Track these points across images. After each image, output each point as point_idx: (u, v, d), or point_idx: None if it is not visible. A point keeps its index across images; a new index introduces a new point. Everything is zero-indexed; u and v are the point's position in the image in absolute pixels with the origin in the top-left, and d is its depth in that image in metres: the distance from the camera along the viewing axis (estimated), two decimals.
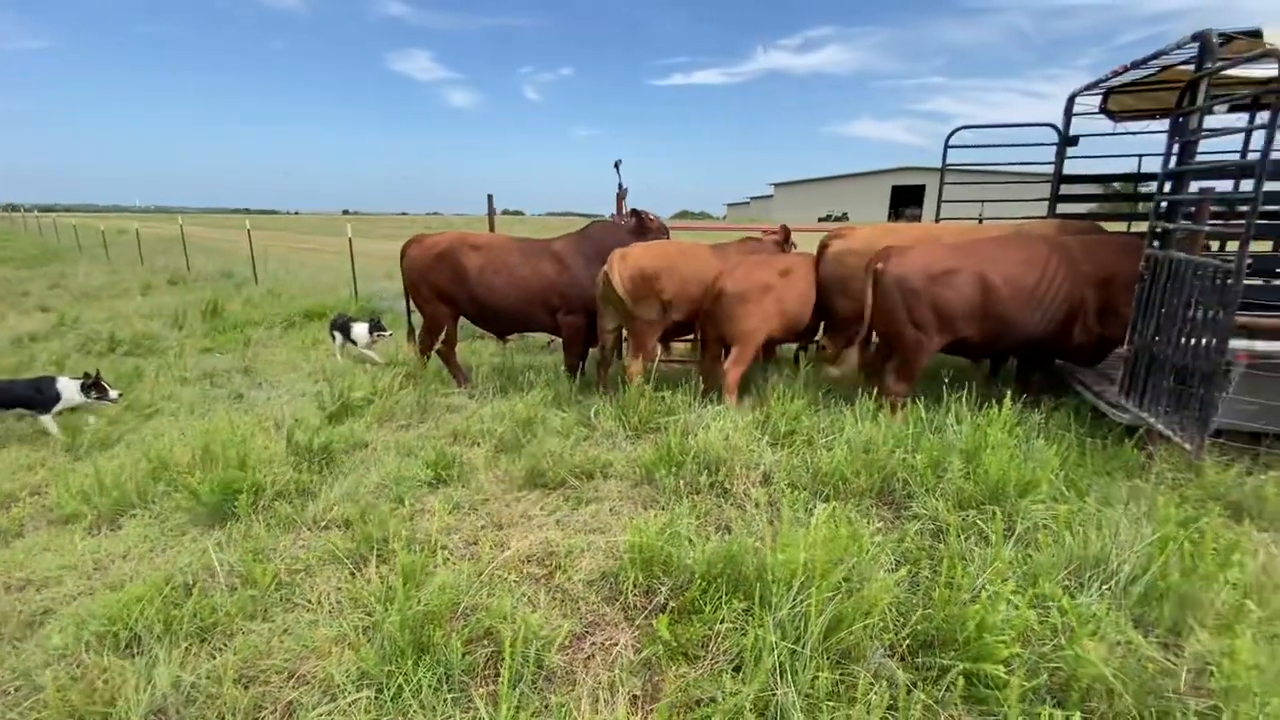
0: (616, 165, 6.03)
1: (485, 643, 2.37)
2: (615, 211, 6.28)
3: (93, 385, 4.86)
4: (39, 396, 4.66)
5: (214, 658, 2.28)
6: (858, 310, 5.07)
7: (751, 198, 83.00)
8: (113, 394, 4.96)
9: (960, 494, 3.21)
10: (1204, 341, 3.37)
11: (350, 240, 10.90)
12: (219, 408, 5.29)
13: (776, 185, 71.00)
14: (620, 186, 6.11)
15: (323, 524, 3.33)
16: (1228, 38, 3.59)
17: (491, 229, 7.33)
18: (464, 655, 2.24)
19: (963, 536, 2.88)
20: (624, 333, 5.32)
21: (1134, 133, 5.93)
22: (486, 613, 2.47)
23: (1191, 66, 4.18)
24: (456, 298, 5.52)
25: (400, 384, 5.40)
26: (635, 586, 2.66)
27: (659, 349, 5.43)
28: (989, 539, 2.85)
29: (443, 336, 5.76)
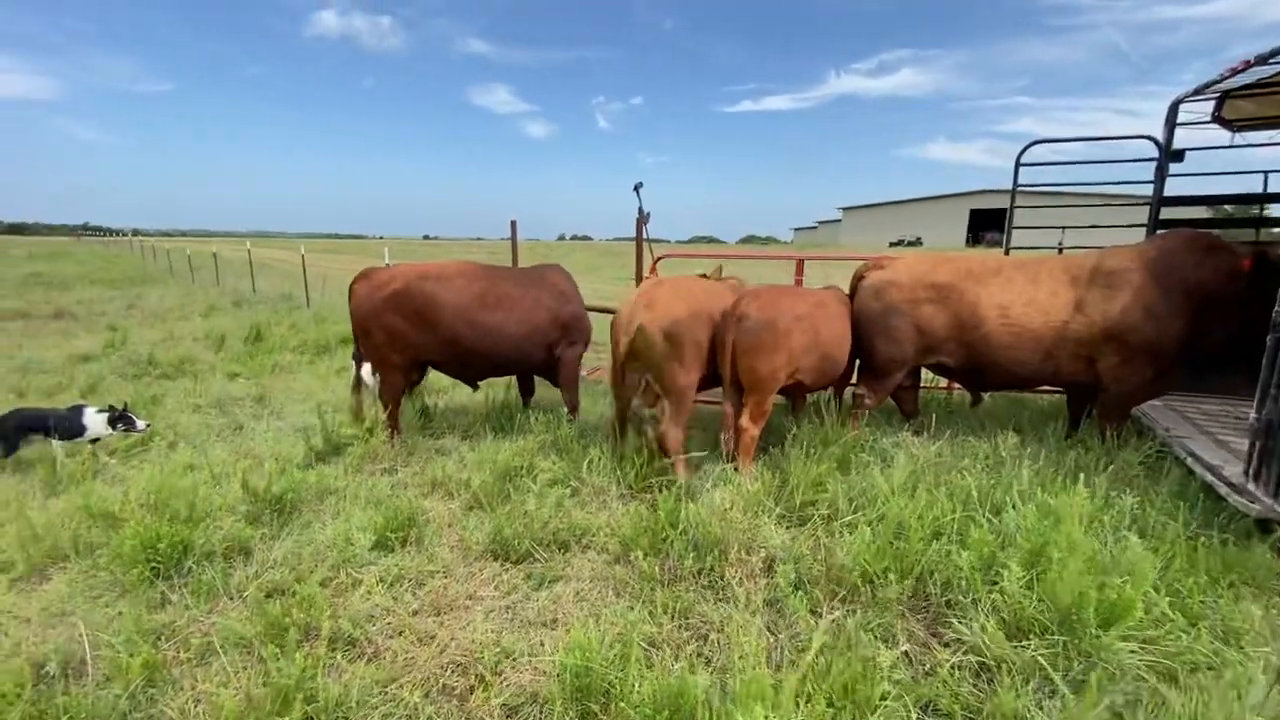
0: (637, 189, 5.54)
1: None
2: (636, 236, 5.77)
3: (119, 418, 4.73)
4: (65, 426, 4.58)
5: None
6: (901, 352, 4.31)
7: (819, 222, 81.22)
8: (140, 425, 4.81)
9: (1018, 614, 2.41)
10: None
11: (388, 265, 10.89)
12: (212, 440, 5.09)
13: (845, 209, 69.18)
14: (641, 211, 5.60)
15: (243, 593, 2.90)
16: None
17: (514, 258, 6.98)
18: None
19: (1018, 685, 2.10)
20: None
21: (1256, 145, 4.91)
22: None
23: None
24: (421, 342, 4.72)
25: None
26: None
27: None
28: (1057, 693, 2.07)
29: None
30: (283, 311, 12.65)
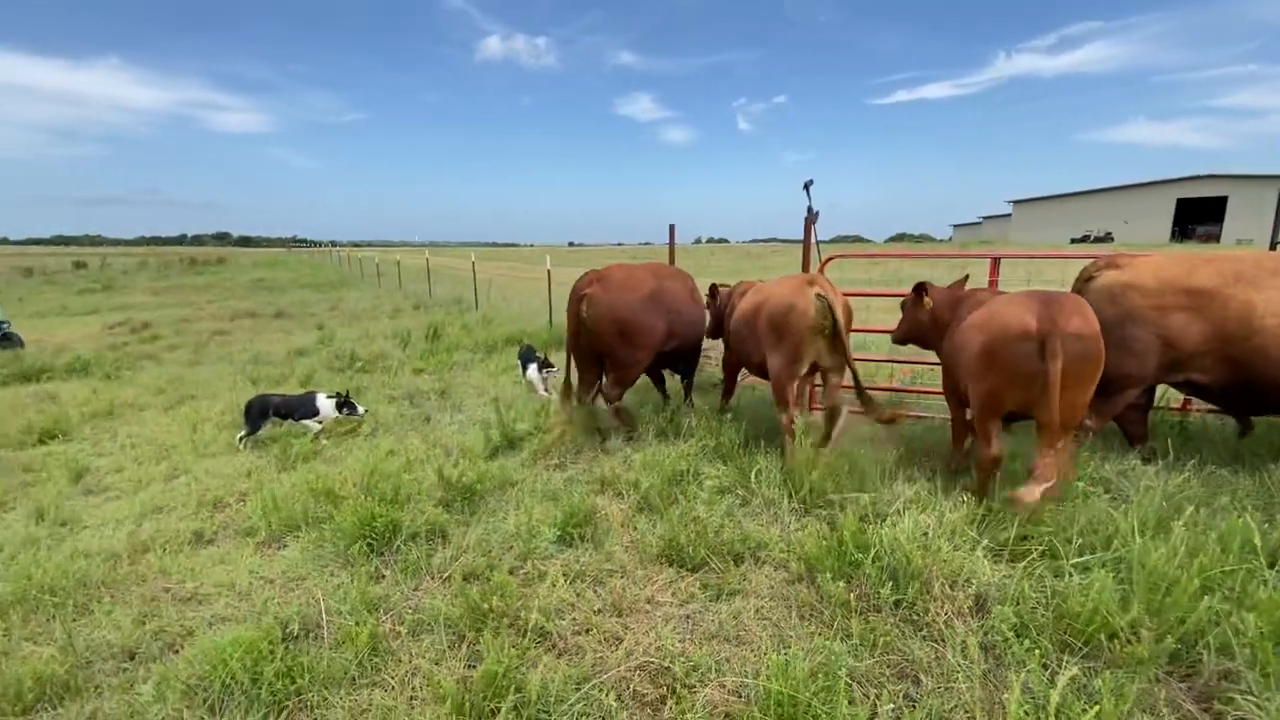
0: (806, 187, 5.29)
1: None
2: (804, 237, 5.52)
3: (344, 403, 5.50)
4: (302, 409, 5.45)
5: None
6: (1139, 367, 3.68)
7: (984, 217, 73.79)
8: (360, 410, 5.57)
9: None
10: None
11: (549, 271, 11.50)
12: (406, 429, 5.63)
13: (1016, 202, 62.27)
14: (810, 210, 5.35)
15: (445, 575, 3.12)
16: None
17: (671, 260, 7.01)
18: None
19: None
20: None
21: None
22: None
23: None
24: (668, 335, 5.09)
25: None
26: None
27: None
28: None
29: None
30: (455, 314, 13.85)
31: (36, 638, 2.72)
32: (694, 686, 2.29)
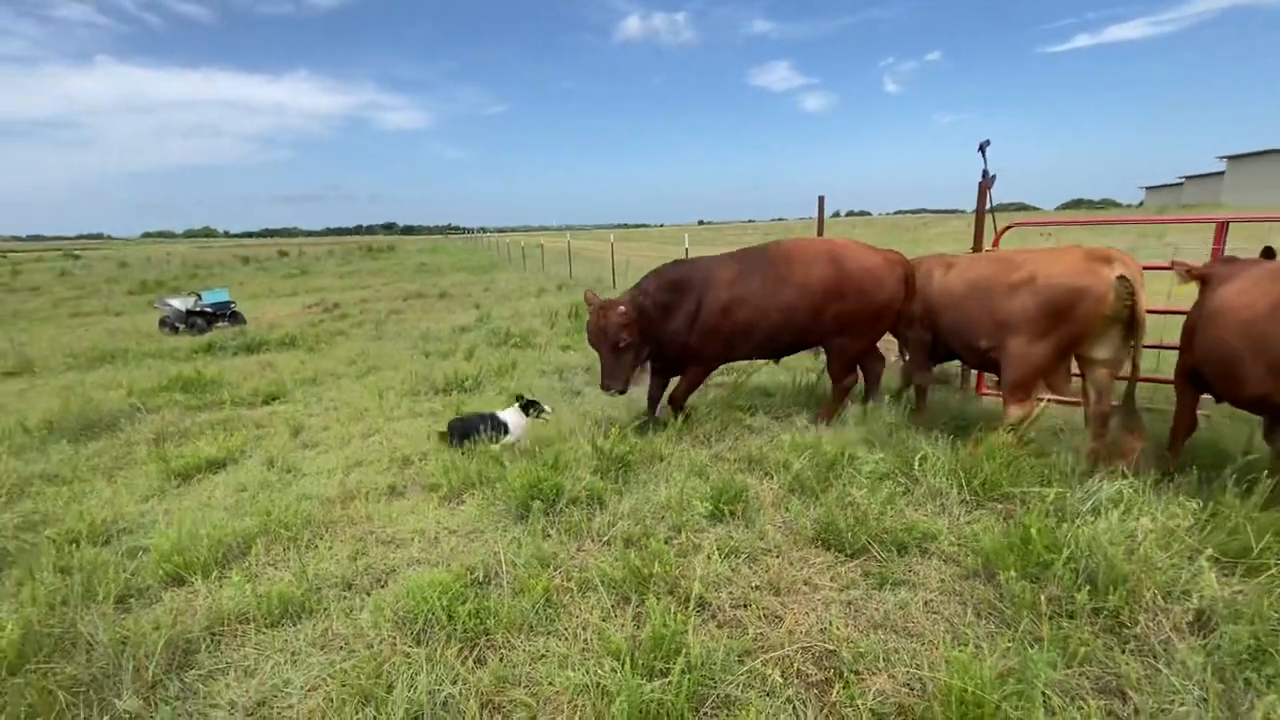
0: (982, 148, 4.79)
1: None
2: (977, 204, 5.02)
3: (528, 405, 5.51)
4: (491, 430, 5.07)
5: (474, 671, 2.31)
6: None
7: (1184, 177, 62.53)
8: (546, 409, 5.28)
9: None
10: None
11: (686, 250, 11.53)
12: (557, 401, 5.97)
13: (1230, 158, 52.05)
14: (986, 174, 4.85)
15: (605, 538, 3.29)
16: None
17: (820, 233, 6.72)
18: None
19: None
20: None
21: None
22: (734, 717, 1.98)
23: None
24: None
25: (704, 399, 5.26)
26: None
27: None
28: None
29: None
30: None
31: (277, 564, 3.25)
32: (861, 674, 2.22)
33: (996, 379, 4.43)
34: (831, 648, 2.34)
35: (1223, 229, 4.22)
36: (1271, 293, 3.04)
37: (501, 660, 2.37)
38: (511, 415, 5.31)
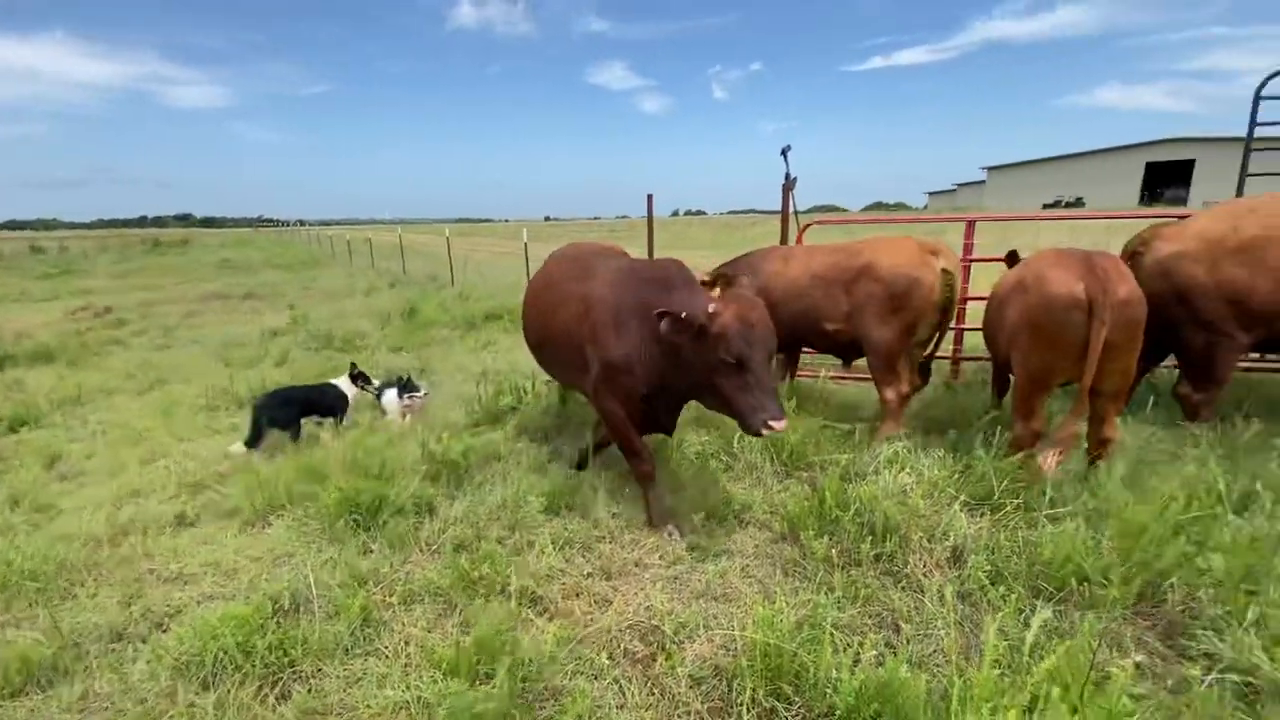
0: (784, 153, 5.27)
1: None
2: (782, 205, 5.51)
3: (405, 386, 5.24)
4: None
5: (275, 708, 2.09)
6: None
7: (958, 184, 74.30)
8: (421, 390, 5.27)
9: None
10: None
11: (525, 245, 11.38)
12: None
13: (990, 169, 62.72)
14: (788, 177, 5.34)
15: (434, 547, 3.14)
16: None
17: (650, 232, 6.97)
18: None
19: None
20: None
21: None
22: (561, 708, 2.00)
23: None
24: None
25: (547, 393, 5.23)
26: (753, 704, 2.00)
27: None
28: None
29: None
30: (431, 291, 13.66)
31: (20, 622, 2.68)
32: (682, 643, 2.35)
33: (838, 361, 4.73)
34: (656, 623, 2.45)
35: (971, 227, 5.07)
36: (1002, 284, 3.68)
37: (310, 691, 2.17)
38: (389, 397, 5.04)
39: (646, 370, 3.10)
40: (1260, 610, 2.09)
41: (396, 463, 3.94)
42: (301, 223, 77.25)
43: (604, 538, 3.16)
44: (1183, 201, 42.69)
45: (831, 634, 2.16)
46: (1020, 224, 13.03)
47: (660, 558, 3.01)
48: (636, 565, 2.94)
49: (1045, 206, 48.70)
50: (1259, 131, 4.41)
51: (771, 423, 2.72)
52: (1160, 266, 3.71)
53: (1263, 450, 3.17)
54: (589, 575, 2.84)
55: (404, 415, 5.16)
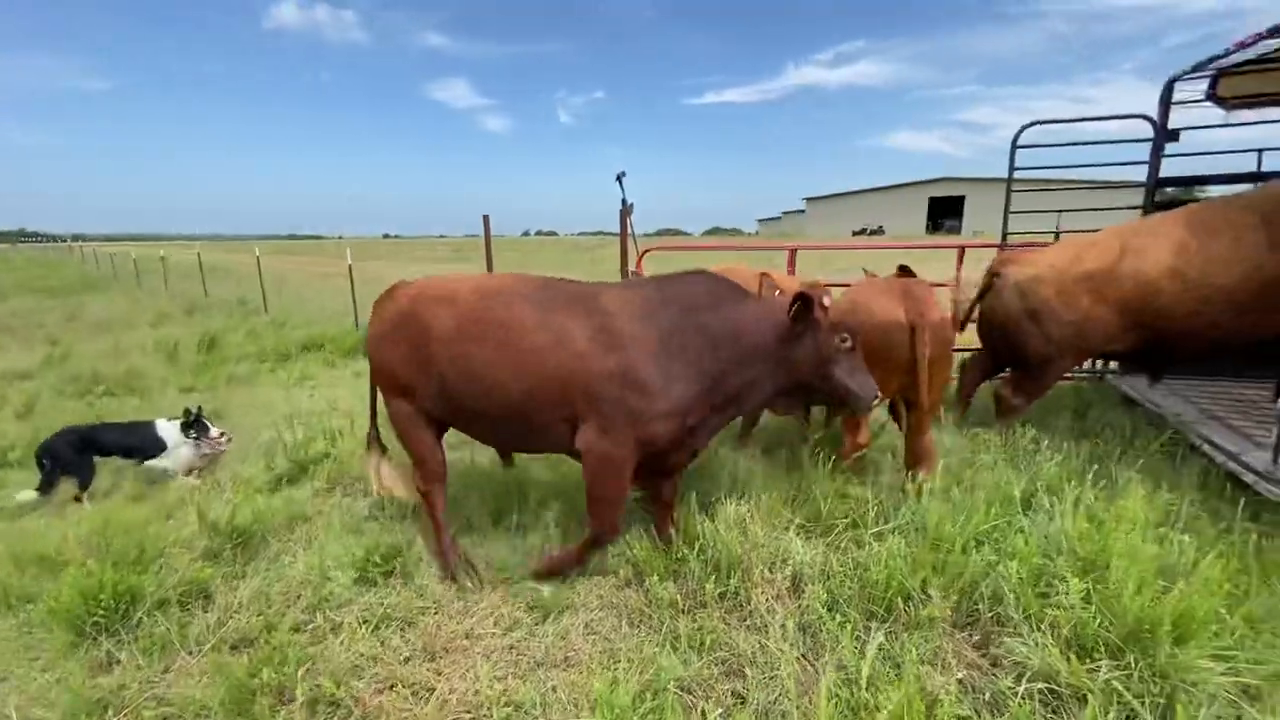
0: (619, 178, 5.22)
1: None
2: (620, 229, 5.46)
3: (191, 424, 4.45)
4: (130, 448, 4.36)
5: None
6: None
7: (784, 213, 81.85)
8: (214, 431, 4.48)
9: (1080, 630, 2.21)
10: None
11: (350, 267, 10.37)
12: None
13: (809, 200, 69.80)
14: (624, 202, 5.30)
15: (207, 648, 2.53)
16: None
17: (488, 255, 6.60)
18: None
19: (1099, 716, 1.89)
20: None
21: (1250, 123, 4.86)
22: None
23: None
24: None
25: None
26: None
27: None
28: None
29: None
30: (239, 318, 11.97)
31: None
32: None
33: None
34: (485, 712, 2.12)
35: (793, 254, 5.38)
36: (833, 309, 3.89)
37: None
38: (170, 431, 4.17)
39: (701, 401, 2.73)
40: (1053, 614, 2.27)
41: (163, 540, 3.20)
42: (78, 238, 65.36)
43: (429, 608, 2.76)
44: (958, 231, 50.60)
45: (676, 694, 2.00)
46: (839, 250, 14.43)
47: (496, 623, 2.68)
48: (467, 638, 2.58)
49: (854, 233, 55.15)
50: (1018, 174, 5.16)
51: (876, 395, 2.84)
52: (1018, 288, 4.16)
53: (1038, 452, 3.60)
54: (408, 659, 2.44)
55: (190, 471, 4.33)
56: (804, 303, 2.65)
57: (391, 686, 2.29)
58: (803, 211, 71.76)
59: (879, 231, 56.23)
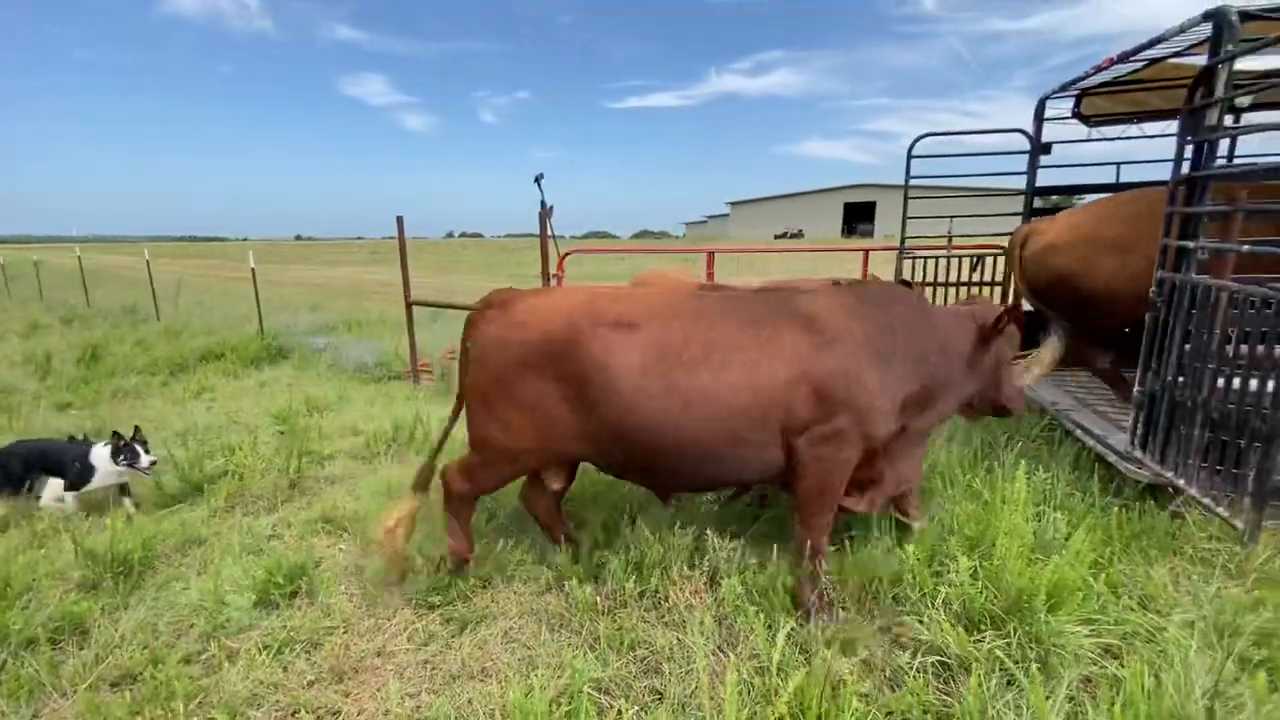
0: (537, 180, 5.19)
1: None
2: (540, 232, 5.42)
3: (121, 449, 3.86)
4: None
5: None
6: None
7: (708, 216, 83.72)
8: (145, 459, 3.82)
9: (969, 606, 2.38)
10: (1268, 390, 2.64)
11: (254, 270, 9.75)
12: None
13: (732, 204, 71.74)
14: (544, 204, 5.26)
15: (84, 684, 2.31)
16: (1249, 16, 2.96)
17: (403, 257, 6.38)
18: None
19: (982, 682, 2.05)
20: None
21: (1110, 139, 5.40)
22: None
23: (1192, 58, 3.62)
24: None
25: (271, 451, 4.38)
26: None
27: None
28: (1014, 683, 2.04)
29: None
30: (126, 327, 11.01)
31: None
32: None
33: None
34: None
35: (711, 257, 5.52)
36: None
37: None
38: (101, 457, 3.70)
39: (912, 401, 2.70)
40: (945, 591, 2.44)
41: (32, 571, 2.90)
42: None
43: (337, 628, 2.63)
44: (870, 234, 53.38)
45: (592, 697, 2.00)
46: (765, 252, 14.88)
47: (409, 639, 2.59)
48: (378, 655, 2.49)
49: (776, 236, 57.12)
50: (913, 181, 5.51)
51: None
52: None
53: (936, 443, 3.85)
54: (312, 683, 2.32)
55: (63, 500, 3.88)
56: (1012, 317, 2.78)
57: (294, 713, 2.17)
58: (727, 215, 73.61)
59: (799, 235, 58.50)
